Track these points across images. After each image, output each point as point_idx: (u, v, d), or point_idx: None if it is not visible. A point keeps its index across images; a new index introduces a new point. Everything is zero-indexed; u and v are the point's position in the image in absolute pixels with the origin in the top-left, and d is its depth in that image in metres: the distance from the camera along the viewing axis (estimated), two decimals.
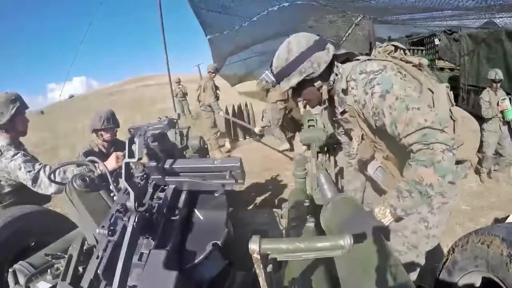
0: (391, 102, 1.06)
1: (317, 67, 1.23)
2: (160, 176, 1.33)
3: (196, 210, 1.40)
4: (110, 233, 1.00)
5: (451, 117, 1.25)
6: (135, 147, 1.13)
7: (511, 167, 4.16)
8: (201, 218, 1.37)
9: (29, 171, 1.77)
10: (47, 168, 1.79)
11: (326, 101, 1.35)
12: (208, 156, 3.00)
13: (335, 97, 1.33)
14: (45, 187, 1.79)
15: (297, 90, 1.32)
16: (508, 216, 2.86)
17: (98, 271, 1.01)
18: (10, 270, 1.38)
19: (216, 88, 5.99)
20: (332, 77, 1.30)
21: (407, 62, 1.29)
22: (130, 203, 1.06)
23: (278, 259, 0.67)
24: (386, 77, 1.12)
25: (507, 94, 4.17)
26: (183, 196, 1.36)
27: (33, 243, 1.80)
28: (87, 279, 1.06)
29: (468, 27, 5.80)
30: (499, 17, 4.57)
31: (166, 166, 1.31)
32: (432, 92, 1.23)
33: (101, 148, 2.58)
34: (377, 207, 1.10)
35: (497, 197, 3.52)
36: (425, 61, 1.32)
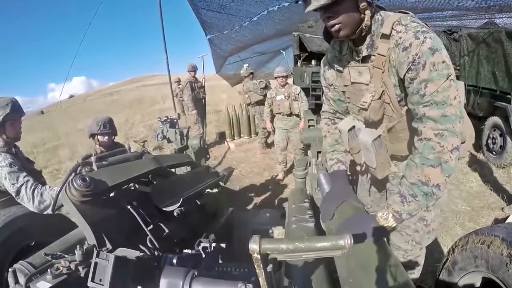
0: (437, 61, 0.99)
1: None
2: None
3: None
4: None
5: None
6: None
7: (511, 167, 4.16)
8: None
9: (13, 184, 1.76)
10: (29, 184, 1.78)
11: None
12: (208, 156, 3.01)
13: (368, 39, 1.16)
14: (27, 202, 1.77)
15: (335, 7, 1.05)
16: (508, 216, 2.86)
17: None
18: (10, 269, 1.38)
19: (193, 88, 6.06)
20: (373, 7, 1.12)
21: None
22: None
23: (278, 259, 0.67)
24: (438, 38, 1.03)
25: (507, 94, 4.17)
26: None
27: (33, 243, 1.80)
28: None
29: (468, 27, 5.81)
30: (499, 17, 4.57)
31: None
32: None
33: (98, 152, 2.59)
34: (380, 212, 1.08)
35: (497, 197, 3.51)
36: None
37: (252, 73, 6.17)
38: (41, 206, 1.76)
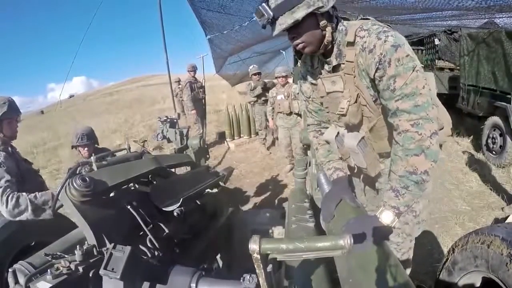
0: (401, 56, 1.05)
1: (326, 1, 1.09)
2: None
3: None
4: None
5: None
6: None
7: (511, 167, 4.16)
8: None
9: None
10: (7, 190, 1.67)
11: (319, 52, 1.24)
12: (208, 156, 3.01)
13: (335, 49, 1.23)
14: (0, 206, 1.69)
15: (297, 29, 1.14)
16: (508, 216, 2.86)
17: None
18: (10, 270, 1.38)
19: (192, 88, 6.05)
20: (333, 22, 1.19)
21: None
22: None
23: (278, 259, 0.67)
24: (399, 35, 1.11)
25: (507, 94, 4.17)
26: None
27: (33, 243, 1.80)
28: None
29: (468, 27, 5.79)
30: (499, 17, 4.56)
31: None
32: None
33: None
34: (382, 213, 1.09)
35: (497, 197, 3.51)
36: None
37: (257, 74, 6.03)
38: (15, 211, 1.67)
